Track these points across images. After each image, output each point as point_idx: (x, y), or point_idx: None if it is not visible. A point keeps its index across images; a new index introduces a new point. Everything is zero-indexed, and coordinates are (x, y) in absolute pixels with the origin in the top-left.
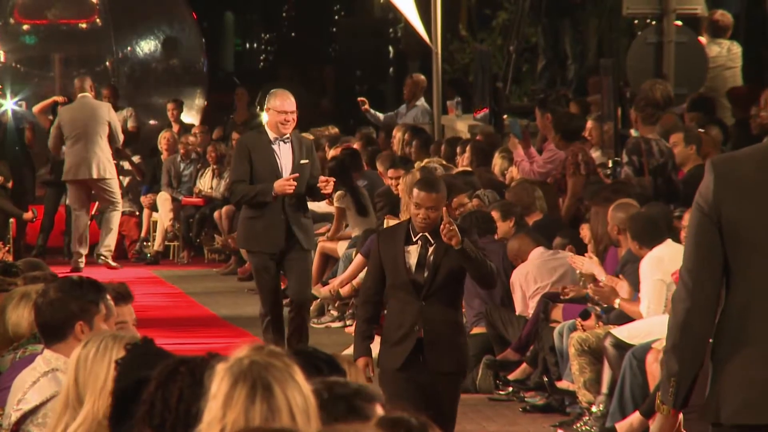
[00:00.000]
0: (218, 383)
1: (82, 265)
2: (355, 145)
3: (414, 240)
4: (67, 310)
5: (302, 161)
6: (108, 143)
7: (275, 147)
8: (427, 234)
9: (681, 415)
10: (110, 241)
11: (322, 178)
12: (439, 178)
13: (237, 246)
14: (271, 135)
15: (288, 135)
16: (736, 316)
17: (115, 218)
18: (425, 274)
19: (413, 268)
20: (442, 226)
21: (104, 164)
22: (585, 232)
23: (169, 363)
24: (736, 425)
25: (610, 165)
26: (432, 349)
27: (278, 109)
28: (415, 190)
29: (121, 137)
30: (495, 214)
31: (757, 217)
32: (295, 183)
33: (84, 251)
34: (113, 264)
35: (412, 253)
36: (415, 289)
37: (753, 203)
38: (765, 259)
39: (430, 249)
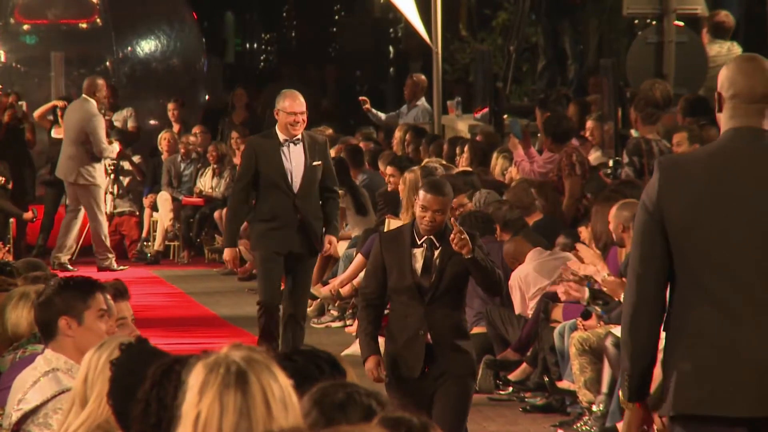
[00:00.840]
0: (195, 375)
1: (57, 261)
2: (361, 144)
3: (419, 243)
4: (52, 307)
5: (315, 163)
6: (88, 149)
7: (284, 149)
8: (432, 237)
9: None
10: (101, 245)
11: (324, 240)
12: (446, 181)
13: (250, 249)
14: (281, 137)
15: (299, 136)
16: (681, 312)
17: (96, 220)
18: (431, 278)
19: (419, 271)
20: (452, 236)
21: (77, 170)
22: (584, 234)
23: (164, 362)
24: (687, 415)
25: (611, 165)
26: (439, 354)
27: (287, 110)
28: (422, 193)
29: (101, 148)
30: None
31: (700, 218)
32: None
33: (68, 247)
34: (119, 268)
35: (418, 257)
36: (419, 293)
37: (696, 204)
38: (707, 257)
39: (436, 252)
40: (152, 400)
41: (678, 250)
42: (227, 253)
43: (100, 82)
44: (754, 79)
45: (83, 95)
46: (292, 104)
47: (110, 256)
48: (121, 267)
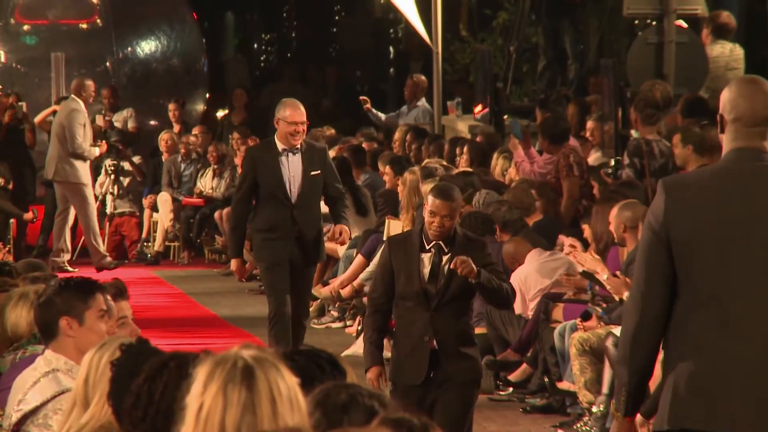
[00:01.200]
0: (202, 368)
1: (56, 265)
2: (364, 145)
3: (427, 248)
4: (53, 307)
5: (313, 172)
6: (70, 146)
7: (283, 158)
8: (440, 242)
9: (637, 419)
10: (93, 248)
11: (336, 229)
12: (454, 186)
13: (255, 258)
14: (280, 146)
15: (298, 146)
16: (683, 328)
17: (84, 219)
18: (438, 284)
19: (426, 277)
20: (453, 262)
21: (58, 167)
22: (587, 232)
23: (160, 358)
24: (683, 430)
25: (612, 165)
26: (444, 360)
27: (288, 119)
28: (431, 198)
29: (74, 144)
30: None
31: (705, 236)
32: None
33: (64, 250)
34: (115, 263)
35: (426, 262)
36: (426, 298)
37: (700, 223)
38: (712, 275)
39: (444, 258)
40: (143, 394)
41: (683, 268)
42: (233, 264)
43: (88, 82)
44: (755, 102)
45: (71, 95)
46: (293, 114)
47: (101, 257)
48: (116, 261)
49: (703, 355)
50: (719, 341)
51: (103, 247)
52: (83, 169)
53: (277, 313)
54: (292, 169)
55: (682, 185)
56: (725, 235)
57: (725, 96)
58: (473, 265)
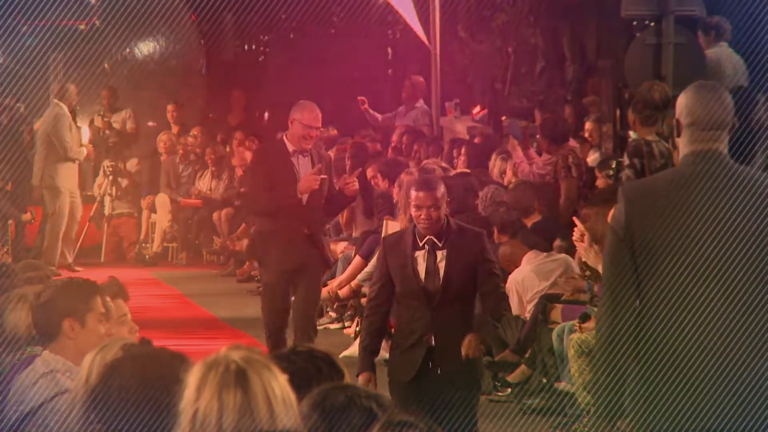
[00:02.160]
0: (193, 373)
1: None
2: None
3: (421, 245)
4: (55, 309)
5: (321, 176)
6: (54, 151)
7: (294, 160)
8: (433, 238)
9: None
10: (51, 252)
11: (346, 177)
12: (435, 177)
13: (250, 259)
14: (290, 147)
15: (308, 149)
16: (651, 331)
17: (50, 227)
18: (435, 282)
19: (422, 275)
20: (464, 353)
21: (44, 173)
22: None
23: (117, 358)
24: None
25: (613, 166)
26: (443, 360)
27: (305, 122)
28: (413, 192)
29: (65, 146)
30: None
31: (663, 241)
32: (320, 177)
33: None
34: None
35: (420, 260)
36: (426, 297)
37: (659, 228)
38: (674, 275)
39: (439, 255)
40: (98, 397)
41: (644, 272)
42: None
43: (70, 86)
44: (710, 107)
45: (54, 100)
46: (310, 118)
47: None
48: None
49: (674, 359)
50: (688, 344)
51: (57, 251)
52: (68, 173)
53: (269, 333)
54: (302, 171)
55: (641, 191)
56: (682, 239)
57: (681, 101)
58: (475, 342)
